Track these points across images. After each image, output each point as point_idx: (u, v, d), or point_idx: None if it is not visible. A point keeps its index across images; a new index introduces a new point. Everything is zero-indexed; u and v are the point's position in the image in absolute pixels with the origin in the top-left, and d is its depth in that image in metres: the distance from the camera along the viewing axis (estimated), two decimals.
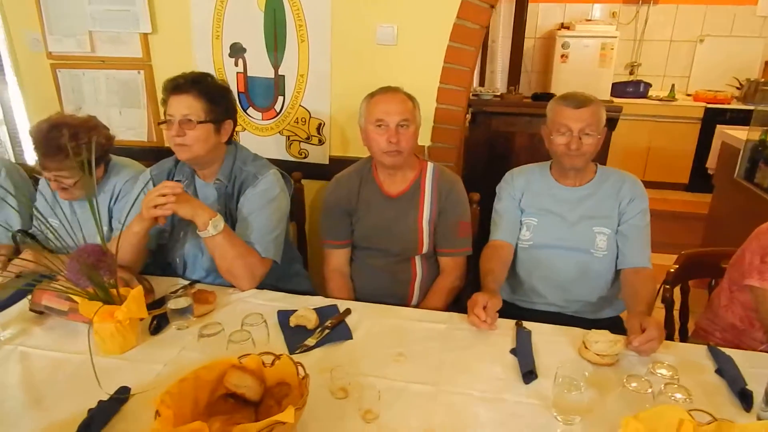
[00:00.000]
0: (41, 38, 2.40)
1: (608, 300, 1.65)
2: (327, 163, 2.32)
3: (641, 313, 1.33)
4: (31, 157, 2.63)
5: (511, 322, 1.38)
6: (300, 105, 2.27)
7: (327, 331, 1.33)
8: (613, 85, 5.21)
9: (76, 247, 1.25)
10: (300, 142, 2.33)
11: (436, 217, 1.67)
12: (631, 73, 5.64)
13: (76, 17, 2.31)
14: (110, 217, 1.87)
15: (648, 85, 5.34)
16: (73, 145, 1.63)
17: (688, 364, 1.20)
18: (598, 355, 1.21)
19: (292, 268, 1.84)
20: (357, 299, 1.65)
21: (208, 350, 1.20)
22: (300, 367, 1.03)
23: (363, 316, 1.41)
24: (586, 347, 1.24)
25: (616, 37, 5.08)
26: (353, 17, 2.10)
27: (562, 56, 5.18)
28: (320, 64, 2.19)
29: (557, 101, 1.59)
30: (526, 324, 1.36)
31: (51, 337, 1.31)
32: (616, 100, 4.78)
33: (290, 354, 1.24)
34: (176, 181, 1.67)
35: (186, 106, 1.49)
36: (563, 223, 1.62)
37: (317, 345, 1.28)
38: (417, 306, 1.68)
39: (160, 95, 2.36)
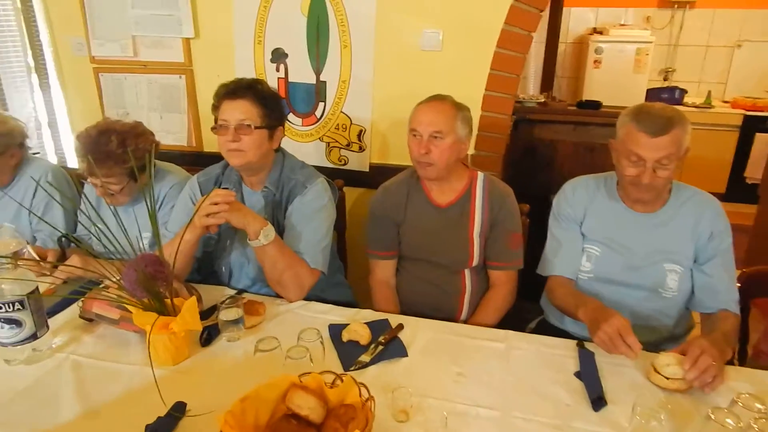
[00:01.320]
0: (85, 42, 2.42)
1: (673, 338, 1.51)
2: (367, 170, 2.29)
3: (699, 338, 1.23)
4: (73, 161, 2.66)
5: (571, 343, 1.33)
6: (341, 111, 2.24)
7: (381, 347, 1.29)
8: (648, 91, 5.09)
9: (125, 254, 1.23)
10: (340, 148, 2.30)
11: (488, 229, 1.62)
12: (665, 79, 5.50)
13: (120, 22, 2.32)
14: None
15: (683, 92, 5.20)
16: (121, 151, 1.63)
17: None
18: (669, 379, 1.15)
19: (335, 278, 1.81)
20: (403, 312, 1.61)
21: (264, 365, 1.17)
22: (363, 389, 0.99)
23: (415, 332, 1.37)
24: (655, 371, 1.18)
25: (651, 42, 4.97)
26: (398, 22, 2.06)
27: (596, 62, 5.08)
28: (363, 70, 2.15)
29: (633, 121, 1.34)
30: (588, 345, 1.30)
31: (102, 346, 1.30)
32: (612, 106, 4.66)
33: (345, 371, 1.20)
34: (223, 188, 1.65)
35: (242, 111, 1.47)
36: (630, 256, 1.46)
37: (372, 362, 1.24)
38: (466, 321, 1.63)
39: (201, 100, 2.40)
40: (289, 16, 2.15)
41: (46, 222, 1.85)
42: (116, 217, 1.82)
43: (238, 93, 1.49)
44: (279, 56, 2.23)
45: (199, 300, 1.45)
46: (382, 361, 1.24)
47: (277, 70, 2.26)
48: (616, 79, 5.01)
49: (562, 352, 1.29)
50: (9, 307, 1.16)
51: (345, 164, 2.31)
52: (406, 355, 1.27)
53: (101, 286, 1.38)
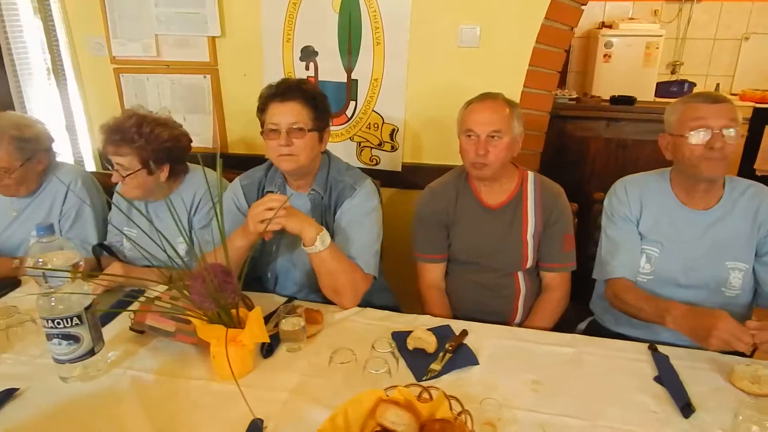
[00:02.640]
0: (104, 42, 2.34)
1: None
2: (399, 170, 2.24)
3: None
4: (91, 165, 2.59)
5: (641, 346, 1.29)
6: (373, 110, 2.19)
7: (449, 355, 1.24)
8: (657, 84, 5.07)
9: (162, 262, 1.18)
10: (371, 148, 2.25)
11: (541, 230, 1.58)
12: (672, 72, 5.49)
13: (143, 21, 2.25)
14: (190, 228, 1.80)
15: (692, 85, 5.19)
16: (134, 130, 1.59)
17: None
18: (754, 384, 1.12)
19: (379, 282, 1.76)
20: (454, 316, 1.57)
21: (335, 377, 1.12)
22: (455, 402, 0.95)
23: (479, 337, 1.33)
24: (739, 375, 1.14)
25: (661, 35, 4.94)
26: (434, 18, 2.01)
27: (605, 56, 5.05)
28: (396, 67, 2.11)
29: (687, 101, 1.37)
30: (661, 348, 1.27)
31: (159, 360, 1.25)
32: (660, 100, 4.66)
33: (418, 381, 1.16)
34: (267, 191, 1.60)
35: (294, 114, 1.42)
36: (690, 255, 1.42)
37: (443, 371, 1.20)
38: (521, 324, 1.60)
39: (227, 100, 2.34)
40: (319, 13, 2.10)
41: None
42: (148, 220, 1.80)
43: (288, 95, 1.43)
44: (309, 54, 2.18)
45: (252, 307, 1.40)
46: (454, 370, 1.20)
47: (307, 68, 2.20)
48: (626, 73, 4.98)
49: (635, 356, 1.26)
50: (67, 323, 1.10)
51: (377, 164, 2.26)
52: (477, 363, 1.23)
53: (153, 296, 1.32)
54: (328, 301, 1.53)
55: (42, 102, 2.43)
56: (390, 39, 2.07)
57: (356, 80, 2.17)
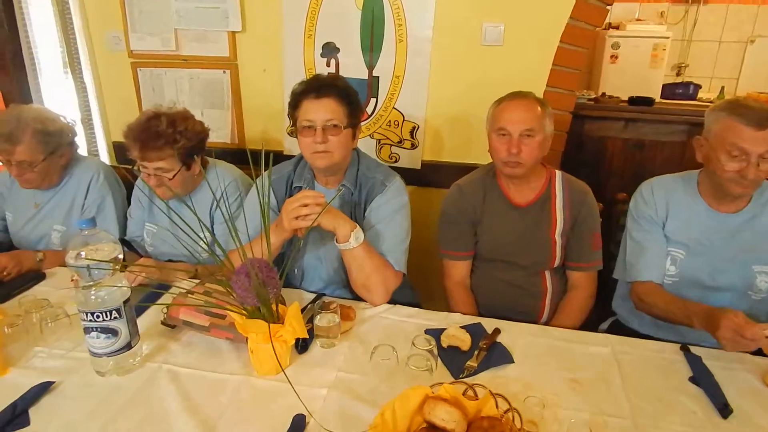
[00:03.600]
0: (122, 37, 2.33)
1: None
2: (419, 168, 2.24)
3: None
4: (104, 158, 2.58)
5: (674, 346, 1.30)
6: (393, 107, 2.19)
7: (483, 352, 1.24)
8: (663, 86, 5.09)
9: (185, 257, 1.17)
10: (391, 145, 2.25)
11: (569, 229, 1.58)
12: (678, 74, 5.50)
13: (162, 15, 2.24)
14: (212, 223, 1.80)
15: (698, 87, 5.20)
16: (171, 131, 1.59)
17: None
18: None
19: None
20: (480, 314, 1.57)
21: (376, 374, 1.12)
22: (501, 400, 0.95)
23: (511, 336, 1.33)
24: None
25: (668, 37, 4.95)
26: (457, 15, 2.01)
27: (612, 57, 5.05)
28: (418, 65, 2.10)
29: (732, 115, 1.30)
30: (693, 348, 1.27)
31: (193, 355, 1.24)
32: (666, 101, 4.67)
33: (455, 379, 1.16)
34: (296, 187, 1.59)
35: (329, 110, 1.41)
36: (716, 258, 1.42)
37: (479, 369, 1.19)
38: (547, 323, 1.60)
39: (246, 96, 2.32)
40: (342, 9, 2.09)
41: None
42: (170, 215, 1.79)
43: (322, 91, 1.43)
44: (330, 51, 2.17)
45: (283, 304, 1.40)
46: (490, 368, 1.20)
47: (328, 65, 2.19)
48: (633, 74, 4.98)
49: (670, 356, 1.26)
50: (106, 316, 1.09)
51: (396, 161, 2.26)
52: (513, 361, 1.23)
53: (186, 291, 1.32)
54: (355, 297, 1.53)
55: (57, 96, 2.40)
56: (413, 36, 2.07)
57: (377, 77, 2.16)
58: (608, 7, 1.90)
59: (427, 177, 2.23)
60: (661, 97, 5.16)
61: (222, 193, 1.77)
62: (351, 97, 1.46)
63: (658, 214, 1.50)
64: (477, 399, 0.98)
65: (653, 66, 5.13)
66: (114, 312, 1.10)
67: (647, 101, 2.50)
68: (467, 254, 1.65)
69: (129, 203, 1.90)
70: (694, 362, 1.22)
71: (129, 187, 1.94)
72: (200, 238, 1.34)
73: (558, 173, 1.64)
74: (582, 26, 1.92)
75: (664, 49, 5.04)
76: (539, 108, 1.50)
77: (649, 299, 1.45)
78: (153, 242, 1.82)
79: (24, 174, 1.69)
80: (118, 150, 2.54)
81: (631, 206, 1.57)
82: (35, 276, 1.59)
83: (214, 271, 1.68)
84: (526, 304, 1.61)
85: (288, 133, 2.32)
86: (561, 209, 1.58)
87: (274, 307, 1.14)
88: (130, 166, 2.05)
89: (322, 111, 1.41)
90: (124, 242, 1.86)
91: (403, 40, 2.08)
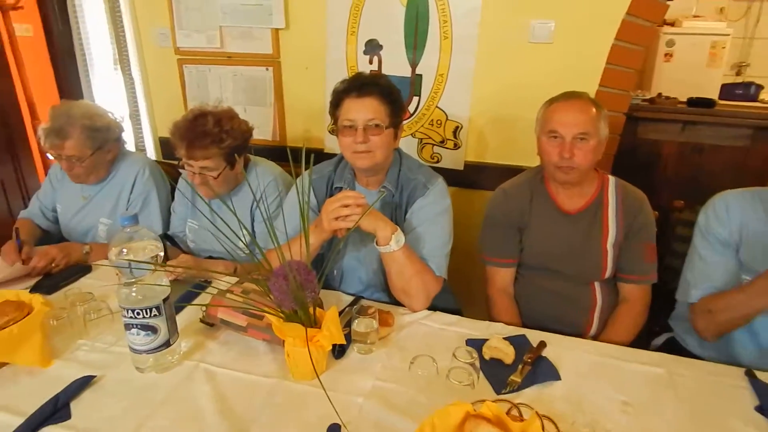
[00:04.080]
0: (169, 34, 2.36)
1: None
2: (461, 168, 2.18)
3: None
4: (151, 153, 2.63)
5: (738, 370, 1.19)
6: (436, 106, 2.13)
7: (528, 367, 1.18)
8: (722, 86, 4.81)
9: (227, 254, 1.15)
10: (433, 145, 2.19)
11: (623, 239, 1.49)
12: (737, 74, 5.21)
13: (208, 12, 2.26)
14: (252, 221, 1.80)
15: (759, 87, 4.89)
16: (218, 130, 1.59)
17: None
18: None
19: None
20: (524, 324, 1.50)
21: (415, 385, 1.08)
22: (549, 423, 0.90)
23: (559, 350, 1.26)
24: None
25: (728, 35, 4.68)
26: (505, 12, 1.94)
27: (666, 55, 4.81)
28: (463, 63, 2.04)
29: None
30: (760, 374, 1.17)
31: (230, 355, 1.23)
32: (725, 103, 4.42)
33: (497, 394, 1.11)
34: (336, 187, 1.56)
35: (371, 110, 1.38)
36: None
37: (523, 385, 1.13)
38: (595, 337, 1.52)
39: (288, 93, 2.32)
40: (386, 5, 2.05)
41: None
42: (211, 212, 1.79)
43: (364, 90, 1.39)
44: (373, 48, 2.14)
45: (321, 307, 1.38)
46: (535, 384, 1.14)
47: (370, 62, 2.16)
48: (689, 73, 4.73)
49: (732, 381, 1.16)
50: (146, 313, 1.09)
51: (438, 162, 2.20)
52: (559, 378, 1.16)
53: (224, 289, 1.31)
54: (393, 301, 1.49)
55: (107, 91, 2.46)
56: (458, 33, 2.01)
57: (420, 75, 2.11)
58: (669, 3, 1.78)
59: (469, 178, 2.17)
60: (719, 97, 4.89)
61: (262, 193, 1.76)
62: (393, 96, 1.42)
63: (731, 236, 1.34)
64: (522, 420, 0.92)
65: (711, 65, 4.86)
66: (154, 309, 1.10)
67: (707, 103, 2.36)
68: (511, 261, 1.58)
69: (173, 198, 1.93)
70: (762, 389, 1.12)
71: (175, 182, 1.96)
72: (238, 237, 1.34)
73: (611, 179, 1.55)
74: (640, 23, 1.82)
75: (724, 47, 4.78)
76: (594, 110, 1.42)
77: (711, 305, 1.32)
78: (194, 238, 1.84)
79: (73, 168, 1.74)
80: (165, 146, 2.59)
81: (701, 221, 1.41)
82: (82, 268, 1.62)
83: (253, 269, 1.69)
84: (573, 316, 1.53)
85: (329, 131, 2.30)
86: (614, 218, 1.50)
87: (311, 310, 1.11)
88: (175, 162, 2.09)
89: (363, 110, 1.38)
90: (167, 237, 1.89)
91: (448, 37, 2.02)
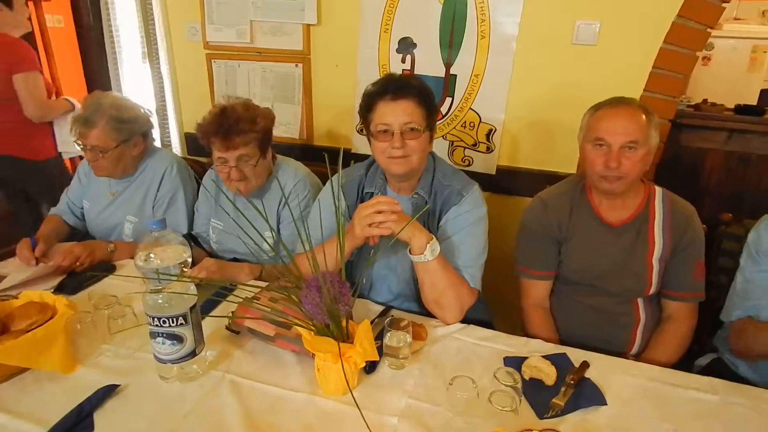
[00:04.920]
0: (199, 28, 2.33)
1: None
2: (494, 173, 2.11)
3: None
4: (176, 149, 2.61)
5: None
6: (470, 108, 2.06)
7: (571, 389, 1.11)
8: (761, 92, 4.63)
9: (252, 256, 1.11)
10: (465, 148, 2.12)
11: (669, 255, 1.41)
12: None
13: (239, 6, 2.22)
14: (278, 222, 1.75)
15: None
16: (249, 114, 1.58)
17: None
18: None
19: None
20: (562, 341, 1.43)
21: (451, 406, 1.02)
22: None
23: (602, 371, 1.18)
24: None
25: None
26: (549, 12, 1.86)
27: (704, 58, 4.66)
28: (500, 64, 1.96)
29: None
30: None
31: (256, 365, 1.18)
32: None
33: (539, 418, 1.04)
34: (367, 192, 1.51)
35: (407, 113, 1.31)
36: None
37: (567, 410, 1.06)
38: (637, 356, 1.44)
39: (317, 91, 2.27)
40: (422, 3, 1.99)
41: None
42: (236, 211, 1.75)
43: (400, 93, 1.32)
44: (407, 46, 2.07)
45: (351, 318, 1.32)
46: (579, 408, 1.07)
47: (403, 61, 2.10)
48: (728, 77, 4.58)
49: None
50: (172, 322, 1.05)
51: (469, 165, 2.13)
52: (605, 403, 1.09)
53: (251, 297, 1.27)
54: (425, 312, 1.43)
55: (135, 85, 2.44)
56: (497, 33, 1.93)
57: (455, 75, 2.04)
58: (724, 5, 1.68)
59: (502, 183, 2.10)
60: (758, 103, 4.73)
61: (289, 193, 1.72)
62: (429, 98, 1.36)
63: None
64: None
65: (752, 69, 4.71)
66: (180, 318, 1.05)
67: (757, 111, 2.23)
68: (549, 274, 1.51)
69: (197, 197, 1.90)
70: None
71: (199, 179, 1.93)
72: (263, 239, 1.30)
73: (658, 190, 1.46)
74: (691, 25, 1.72)
75: (765, 52, 4.61)
76: (644, 117, 1.33)
77: (747, 331, 1.27)
78: (218, 239, 1.80)
79: (96, 159, 1.71)
80: (191, 141, 2.57)
81: (751, 240, 1.34)
82: (106, 267, 1.60)
83: (279, 274, 1.65)
84: (615, 334, 1.45)
85: (357, 131, 2.24)
86: (660, 231, 1.41)
87: (344, 323, 1.06)
88: (201, 159, 2.06)
89: (399, 113, 1.32)
90: (191, 237, 1.85)
91: (486, 36, 1.95)
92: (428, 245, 1.26)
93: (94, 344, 1.23)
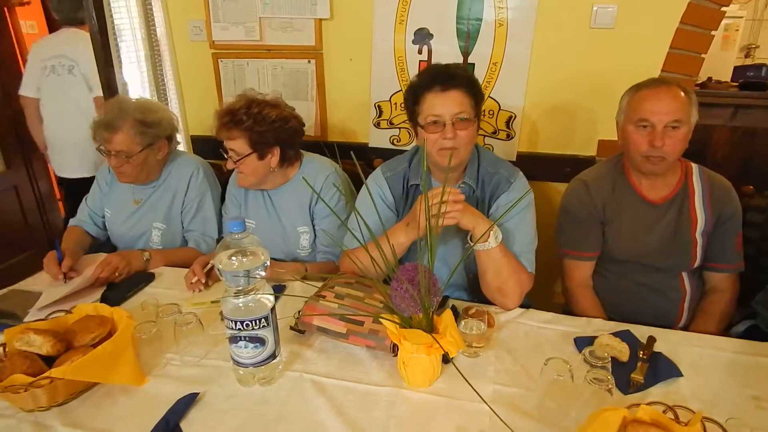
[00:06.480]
0: (203, 27, 2.27)
1: None
2: (514, 159, 2.13)
3: None
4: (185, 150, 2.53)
5: None
6: (489, 96, 2.07)
7: (646, 364, 1.14)
8: (734, 68, 4.80)
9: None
10: (485, 136, 2.14)
11: (712, 228, 1.45)
12: (746, 56, 5.21)
13: (246, 3, 2.17)
14: (312, 219, 1.73)
15: None
16: (243, 112, 1.57)
17: None
18: None
19: None
20: (610, 318, 1.46)
21: (540, 390, 1.03)
22: (712, 425, 0.85)
23: (669, 345, 1.21)
24: None
25: (741, 17, 4.67)
26: None
27: None
28: (519, 51, 1.98)
29: None
30: None
31: (332, 364, 1.17)
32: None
33: (624, 394, 1.06)
34: (412, 184, 1.50)
35: (457, 103, 1.31)
36: None
37: (648, 384, 1.09)
38: (685, 328, 1.48)
39: (330, 86, 2.24)
40: None
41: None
42: (266, 212, 1.73)
43: (449, 83, 1.31)
44: (423, 37, 2.06)
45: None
46: (659, 382, 1.10)
47: (419, 52, 2.09)
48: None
49: None
50: (255, 324, 1.03)
51: None
52: (681, 375, 1.12)
53: (316, 295, 1.25)
54: (476, 300, 1.45)
55: (136, 87, 2.36)
56: (514, 20, 1.95)
57: (473, 64, 2.05)
58: None
59: (523, 170, 2.09)
60: (732, 80, 4.90)
61: (320, 189, 1.70)
62: (477, 87, 1.36)
63: None
64: (678, 422, 0.88)
65: (724, 47, 4.85)
66: (263, 320, 1.03)
67: (760, 86, 2.32)
68: (593, 254, 1.54)
69: (222, 201, 1.86)
70: None
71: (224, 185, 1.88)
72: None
73: (695, 166, 1.51)
74: (706, 4, 1.77)
75: (737, 30, 4.77)
76: (687, 96, 1.37)
77: None
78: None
79: (121, 165, 1.65)
80: (196, 144, 2.50)
81: None
82: (145, 277, 1.55)
83: (324, 270, 1.63)
84: (664, 307, 1.49)
85: (374, 125, 2.23)
86: (701, 206, 1.46)
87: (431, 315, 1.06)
88: (216, 161, 2.01)
89: (450, 104, 1.31)
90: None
91: (503, 24, 1.96)
92: (492, 233, 1.26)
93: (159, 354, 1.19)
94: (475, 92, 1.36)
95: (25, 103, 2.70)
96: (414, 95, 1.38)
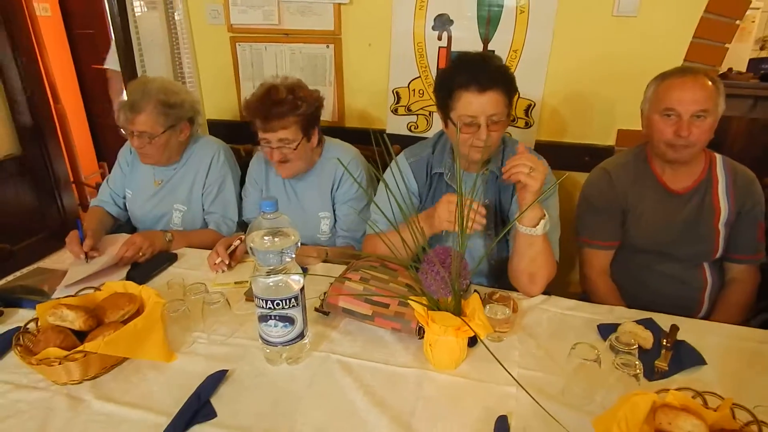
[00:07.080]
0: (222, 10, 2.26)
1: None
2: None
3: None
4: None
5: None
6: None
7: (670, 352, 1.15)
8: (750, 61, 4.76)
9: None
10: None
11: (734, 219, 1.45)
12: (762, 48, 5.15)
13: None
14: (333, 204, 1.74)
15: None
16: (292, 98, 1.56)
17: None
18: None
19: None
20: (629, 307, 1.46)
21: (566, 374, 1.04)
22: (740, 410, 0.86)
23: (691, 334, 1.22)
24: None
25: (758, 8, 4.62)
26: None
27: None
28: (540, 38, 1.97)
29: None
30: None
31: (357, 345, 1.18)
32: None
33: (649, 381, 1.07)
34: (435, 173, 1.51)
35: (493, 105, 1.29)
36: None
37: (672, 371, 1.10)
38: (705, 318, 1.49)
39: (348, 72, 2.23)
40: None
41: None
42: (287, 196, 1.74)
43: (488, 85, 1.28)
44: (443, 23, 2.05)
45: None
46: (683, 370, 1.11)
47: (439, 38, 2.08)
48: None
49: None
50: (285, 304, 1.04)
51: None
52: (705, 363, 1.13)
53: (342, 277, 1.26)
54: (496, 286, 1.45)
55: (154, 72, 2.36)
56: (536, 7, 1.93)
57: (492, 51, 2.04)
58: None
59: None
60: (747, 72, 4.84)
61: (342, 173, 1.71)
62: (512, 86, 1.34)
63: None
64: (707, 407, 0.89)
65: (740, 39, 4.79)
66: (293, 299, 1.05)
67: None
68: (613, 244, 1.54)
69: (242, 184, 1.87)
70: None
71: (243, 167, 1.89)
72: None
73: (718, 157, 1.50)
74: None
75: (753, 21, 4.72)
76: (713, 85, 1.36)
77: None
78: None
79: (144, 146, 1.66)
80: (213, 128, 2.51)
81: None
82: (168, 257, 1.56)
83: (345, 255, 1.64)
84: (684, 298, 1.50)
85: (391, 111, 2.23)
86: (725, 196, 1.46)
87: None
88: (236, 145, 2.02)
89: (486, 106, 1.29)
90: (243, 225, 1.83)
91: (525, 11, 1.95)
92: (542, 220, 1.26)
93: (186, 332, 1.21)
94: (510, 92, 1.35)
95: (110, 75, 2.83)
96: (449, 89, 1.35)
